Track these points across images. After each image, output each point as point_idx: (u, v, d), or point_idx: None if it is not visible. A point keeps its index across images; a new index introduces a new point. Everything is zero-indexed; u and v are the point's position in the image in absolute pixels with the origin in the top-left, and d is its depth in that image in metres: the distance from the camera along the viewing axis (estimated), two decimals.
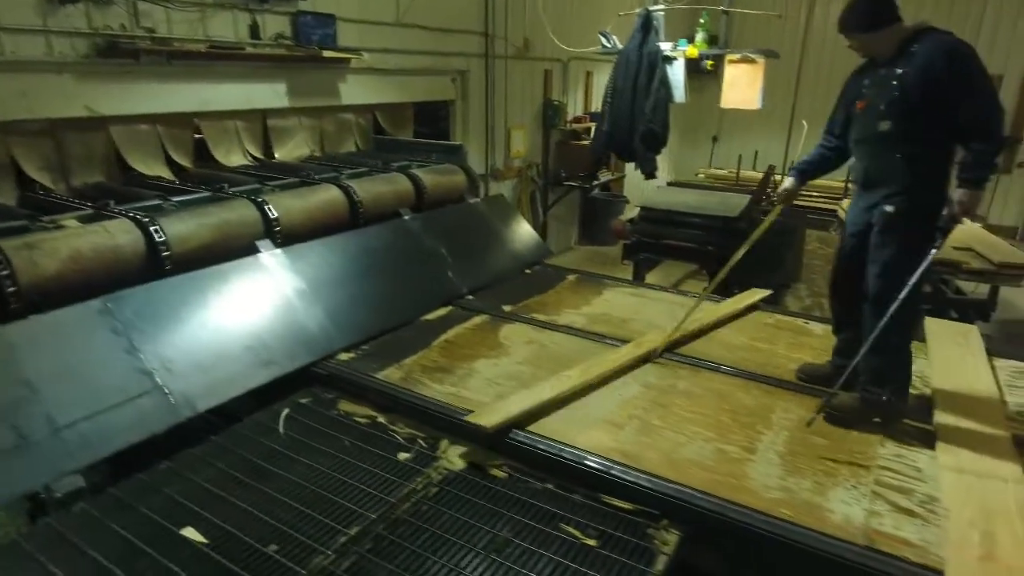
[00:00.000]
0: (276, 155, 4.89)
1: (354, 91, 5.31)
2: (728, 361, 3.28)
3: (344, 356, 3.31)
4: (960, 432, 2.62)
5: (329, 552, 2.11)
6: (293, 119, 5.00)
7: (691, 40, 4.90)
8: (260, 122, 4.80)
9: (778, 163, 8.45)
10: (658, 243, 5.85)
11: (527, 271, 4.75)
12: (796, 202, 8.32)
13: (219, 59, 4.20)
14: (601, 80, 8.80)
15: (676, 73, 4.73)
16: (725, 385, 3.07)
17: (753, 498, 2.25)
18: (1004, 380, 3.15)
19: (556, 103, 7.60)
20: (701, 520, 2.19)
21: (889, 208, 2.65)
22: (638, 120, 4.81)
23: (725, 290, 5.30)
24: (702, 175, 9.84)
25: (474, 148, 6.81)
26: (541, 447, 2.51)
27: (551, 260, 7.78)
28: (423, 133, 6.27)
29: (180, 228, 3.16)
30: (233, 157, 4.55)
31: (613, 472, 2.36)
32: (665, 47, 4.69)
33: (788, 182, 3.19)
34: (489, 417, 2.61)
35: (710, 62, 5.27)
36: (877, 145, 2.73)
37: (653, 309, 4.04)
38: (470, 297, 4.15)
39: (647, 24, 4.68)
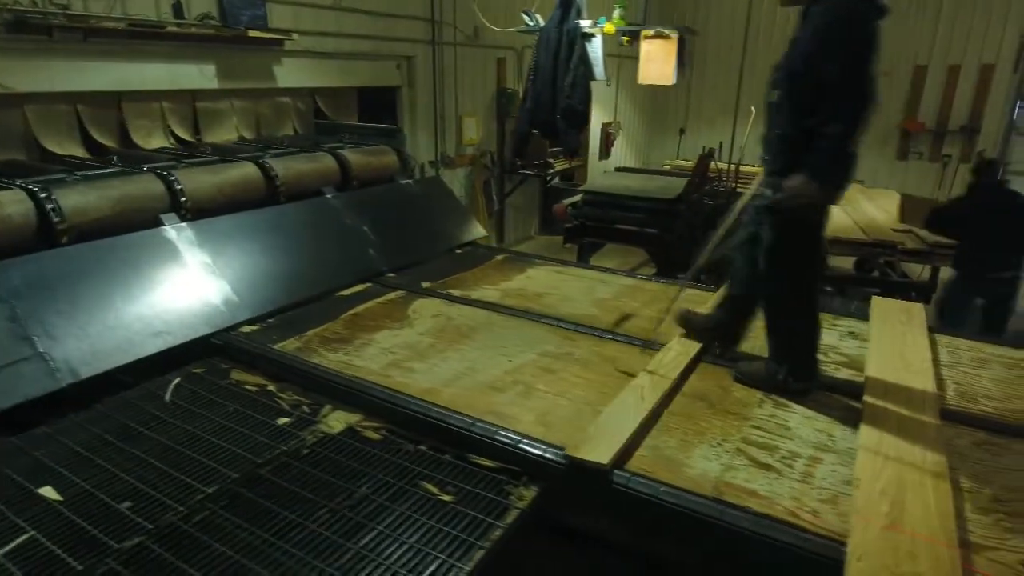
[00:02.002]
0: (206, 138, 4.87)
1: (291, 74, 5.30)
2: (629, 330, 3.29)
3: (247, 328, 3.31)
4: (888, 405, 2.55)
5: (182, 508, 2.11)
6: (224, 101, 4.98)
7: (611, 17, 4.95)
8: (189, 104, 4.78)
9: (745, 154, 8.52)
10: (600, 226, 5.89)
11: (457, 251, 4.75)
12: (738, 186, 8.39)
13: (139, 38, 4.18)
14: None
15: (595, 50, 4.74)
16: (622, 353, 3.09)
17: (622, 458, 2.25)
18: (944, 356, 3.14)
19: (510, 91, 7.60)
20: (557, 475, 2.21)
21: (767, 191, 2.55)
22: (559, 97, 4.83)
23: (669, 273, 5.34)
24: (668, 165, 9.90)
25: (423, 135, 6.82)
26: (413, 408, 2.52)
27: (511, 247, 7.83)
28: (380, 121, 6.22)
29: (78, 200, 3.15)
30: (155, 139, 4.52)
31: (475, 431, 2.37)
32: (584, 24, 4.72)
33: None
34: (599, 451, 2.20)
35: (627, 38, 5.30)
36: (769, 116, 2.60)
37: (572, 285, 4.06)
38: (391, 274, 4.15)
39: (567, 1, 4.71)
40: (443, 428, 2.44)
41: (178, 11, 4.40)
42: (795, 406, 2.64)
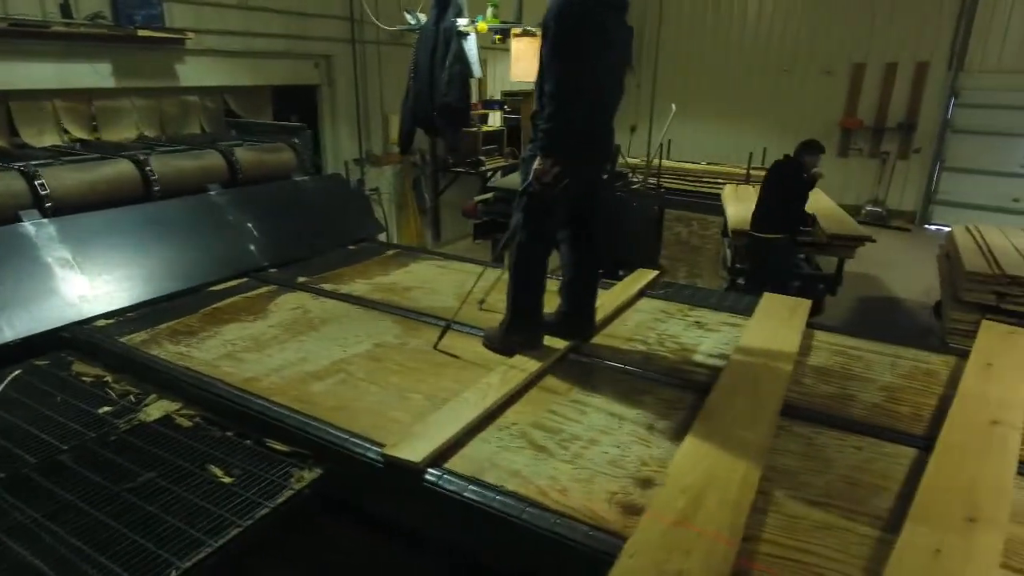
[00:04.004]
0: (105, 136, 4.93)
1: (195, 73, 5.36)
2: (475, 321, 3.38)
3: (103, 322, 3.38)
4: (730, 402, 2.55)
5: None
6: (124, 100, 5.04)
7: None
8: (86, 102, 4.84)
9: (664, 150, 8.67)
10: (508, 222, 5.97)
11: (351, 247, 4.83)
12: (668, 183, 8.48)
13: (23, 37, 4.24)
14: (498, 68, 8.92)
15: (471, 48, 4.85)
16: (461, 342, 3.17)
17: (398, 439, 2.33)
18: (817, 354, 3.18)
19: None
20: (343, 458, 2.30)
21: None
22: (436, 95, 4.94)
23: (612, 272, 5.43)
24: (623, 164, 10.02)
25: (345, 133, 6.90)
26: (222, 396, 2.61)
27: (442, 247, 7.92)
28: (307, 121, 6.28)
29: None
30: (47, 137, 4.58)
31: (271, 416, 2.46)
32: (462, 22, 4.82)
33: None
34: (414, 449, 2.21)
35: (498, 36, 5.42)
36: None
37: (446, 279, 4.15)
38: (273, 270, 4.22)
39: (443, 0, 4.81)
40: (247, 414, 2.53)
41: (66, 10, 4.45)
42: (606, 392, 2.73)
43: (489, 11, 5.17)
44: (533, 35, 4.86)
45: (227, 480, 2.26)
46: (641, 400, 2.68)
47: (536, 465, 2.23)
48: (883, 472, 2.25)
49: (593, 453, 2.31)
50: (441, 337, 3.15)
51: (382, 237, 5.99)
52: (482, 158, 8.08)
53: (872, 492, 2.15)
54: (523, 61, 4.95)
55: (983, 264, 4.86)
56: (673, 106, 7.22)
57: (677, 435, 2.42)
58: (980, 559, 1.79)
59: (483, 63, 5.03)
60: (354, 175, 6.98)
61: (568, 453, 2.31)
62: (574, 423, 2.51)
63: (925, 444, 2.38)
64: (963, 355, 3.15)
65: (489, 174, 8.57)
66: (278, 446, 2.43)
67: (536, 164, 2.68)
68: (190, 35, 5.02)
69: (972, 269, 4.70)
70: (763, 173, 9.57)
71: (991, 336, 3.34)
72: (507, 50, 6.27)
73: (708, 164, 10.93)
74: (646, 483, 2.15)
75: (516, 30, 5.06)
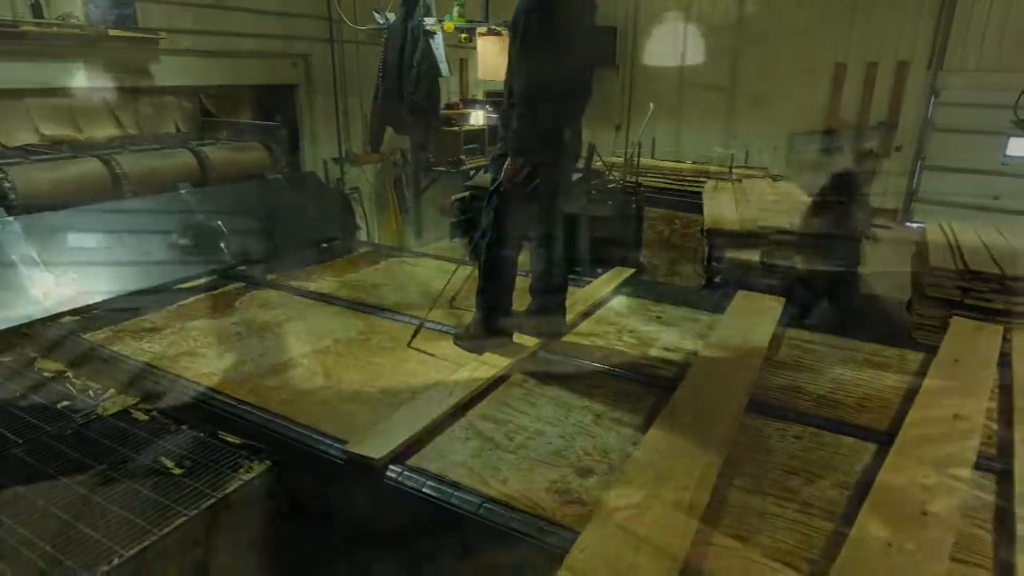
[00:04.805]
0: (86, 135, 4.95)
1: (169, 72, 5.37)
2: (447, 319, 3.42)
3: (68, 319, 3.41)
4: (694, 399, 2.56)
5: None
6: (99, 98, 5.05)
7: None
8: (62, 101, 4.85)
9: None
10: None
11: (324, 244, 4.87)
12: (646, 181, 8.55)
13: None
14: (473, 68, 8.95)
15: (438, 47, 4.89)
16: (432, 340, 3.19)
17: (350, 431, 2.37)
18: (786, 350, 3.23)
19: None
20: (293, 451, 2.34)
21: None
22: (405, 93, 4.99)
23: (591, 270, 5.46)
24: (599, 163, 10.07)
25: (324, 133, 6.92)
26: (179, 390, 2.65)
27: (423, 247, 7.95)
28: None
29: None
30: (20, 136, 4.60)
31: (225, 410, 2.50)
32: (429, 21, 4.87)
33: None
34: (375, 446, 2.25)
35: (464, 35, 5.46)
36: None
37: (415, 276, 4.20)
38: (242, 267, 4.25)
39: None
40: (202, 408, 2.57)
41: (37, 11, 4.47)
42: (560, 386, 2.77)
43: (455, 10, 5.21)
44: (499, 34, 4.92)
45: (177, 471, 2.30)
46: (592, 393, 2.73)
47: (481, 456, 2.28)
48: (839, 465, 2.27)
49: (538, 443, 2.36)
50: (414, 336, 3.17)
51: (362, 236, 6.05)
52: (463, 157, 8.11)
53: (827, 484, 2.17)
54: (490, 60, 5.00)
55: (948, 260, 4.91)
56: (651, 105, 7.30)
57: (622, 426, 2.47)
58: (930, 553, 1.81)
59: (461, 62, 5.05)
60: (333, 174, 7.00)
61: (513, 444, 2.36)
62: (523, 415, 2.55)
63: (888, 439, 2.38)
64: (929, 350, 3.20)
65: (472, 173, 8.61)
66: (230, 438, 2.47)
67: (507, 164, 2.70)
68: (163, 35, 5.04)
69: (937, 265, 4.75)
70: (750, 172, 9.71)
71: (960, 332, 3.40)
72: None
73: (694, 163, 11.00)
74: (586, 472, 2.20)
75: (482, 29, 5.10)
